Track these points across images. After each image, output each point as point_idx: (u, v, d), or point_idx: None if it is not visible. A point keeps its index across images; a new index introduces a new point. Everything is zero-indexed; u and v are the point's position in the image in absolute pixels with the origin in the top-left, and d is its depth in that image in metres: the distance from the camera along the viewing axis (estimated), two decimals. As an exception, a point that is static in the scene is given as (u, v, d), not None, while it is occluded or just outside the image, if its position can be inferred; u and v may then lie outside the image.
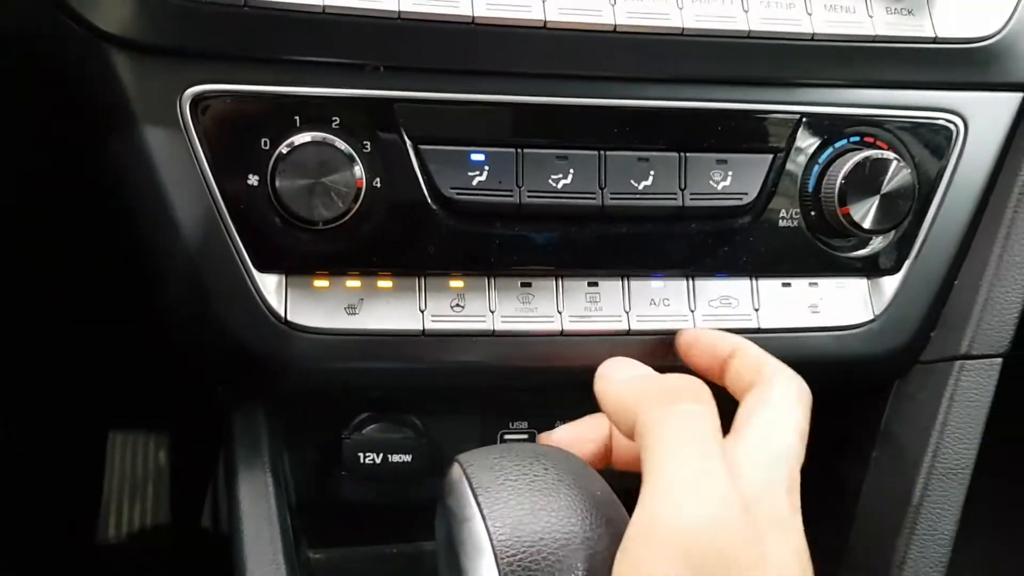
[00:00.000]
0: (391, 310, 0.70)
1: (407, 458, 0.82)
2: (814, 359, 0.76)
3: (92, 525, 1.55)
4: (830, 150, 0.73)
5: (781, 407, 0.59)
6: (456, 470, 0.58)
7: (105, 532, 1.55)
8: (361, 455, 0.81)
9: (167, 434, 1.62)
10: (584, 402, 0.83)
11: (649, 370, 0.64)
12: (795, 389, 0.61)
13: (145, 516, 1.57)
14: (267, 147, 0.65)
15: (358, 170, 0.65)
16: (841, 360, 0.76)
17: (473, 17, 0.66)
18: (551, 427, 0.85)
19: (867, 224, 0.71)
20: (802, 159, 0.73)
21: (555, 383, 0.77)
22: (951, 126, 0.76)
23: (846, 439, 0.85)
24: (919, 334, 0.79)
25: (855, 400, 0.85)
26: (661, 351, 0.73)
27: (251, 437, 0.77)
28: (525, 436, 0.87)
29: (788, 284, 0.76)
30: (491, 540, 0.52)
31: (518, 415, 0.87)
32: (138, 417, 1.60)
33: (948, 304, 0.79)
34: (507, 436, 0.87)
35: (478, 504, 0.54)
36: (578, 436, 0.68)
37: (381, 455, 0.81)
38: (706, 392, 0.58)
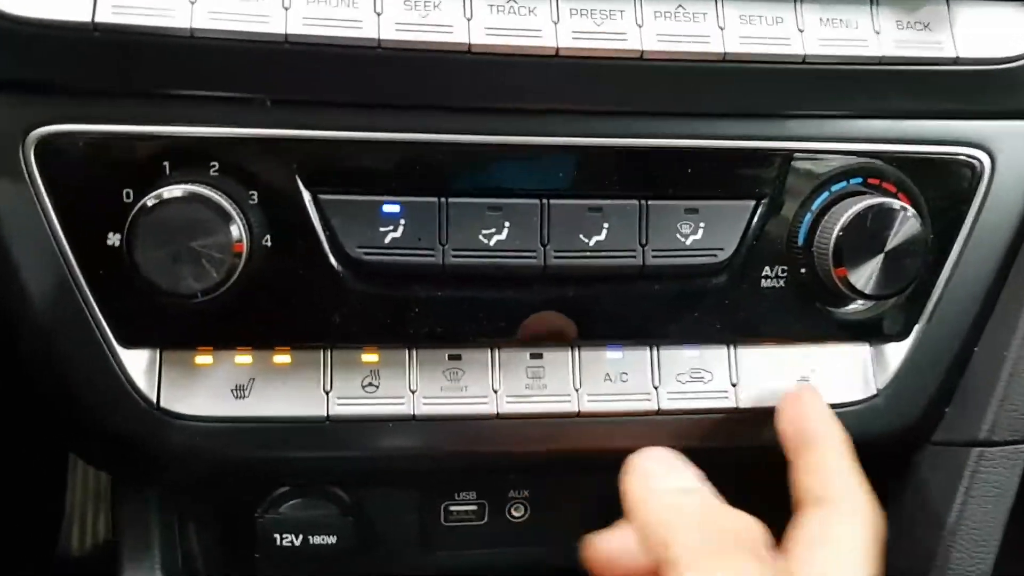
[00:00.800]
0: (289, 391, 0.60)
1: (331, 539, 0.72)
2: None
3: (54, 539, 1.48)
4: (825, 195, 0.62)
5: (847, 552, 0.50)
6: None
7: (68, 546, 1.49)
8: (278, 536, 0.72)
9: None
10: (540, 476, 0.73)
11: (699, 478, 0.54)
12: (867, 527, 0.52)
13: (109, 529, 1.51)
14: (130, 199, 0.55)
15: (236, 231, 0.54)
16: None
17: (379, 40, 0.55)
18: (504, 498, 0.77)
19: (868, 289, 0.60)
20: (791, 207, 0.62)
21: (491, 468, 0.66)
22: (975, 162, 0.64)
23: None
24: (930, 412, 0.67)
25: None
26: (616, 438, 0.63)
27: (139, 528, 0.68)
28: (474, 507, 0.77)
29: (773, 354, 0.65)
30: None
31: (465, 485, 0.76)
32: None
33: (966, 376, 0.67)
34: (452, 507, 0.77)
35: None
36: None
37: (301, 536, 0.72)
38: (763, 542, 0.48)
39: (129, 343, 0.58)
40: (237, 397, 0.59)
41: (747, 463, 0.69)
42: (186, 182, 0.54)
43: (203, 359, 0.59)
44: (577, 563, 0.75)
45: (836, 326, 0.65)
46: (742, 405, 0.64)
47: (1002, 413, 0.66)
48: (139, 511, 0.68)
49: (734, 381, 0.64)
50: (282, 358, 0.60)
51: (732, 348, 0.65)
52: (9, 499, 1.32)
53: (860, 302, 0.63)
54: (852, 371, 0.66)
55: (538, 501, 0.78)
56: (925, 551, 0.67)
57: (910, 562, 0.68)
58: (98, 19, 0.52)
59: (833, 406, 0.64)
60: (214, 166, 0.55)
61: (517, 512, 0.78)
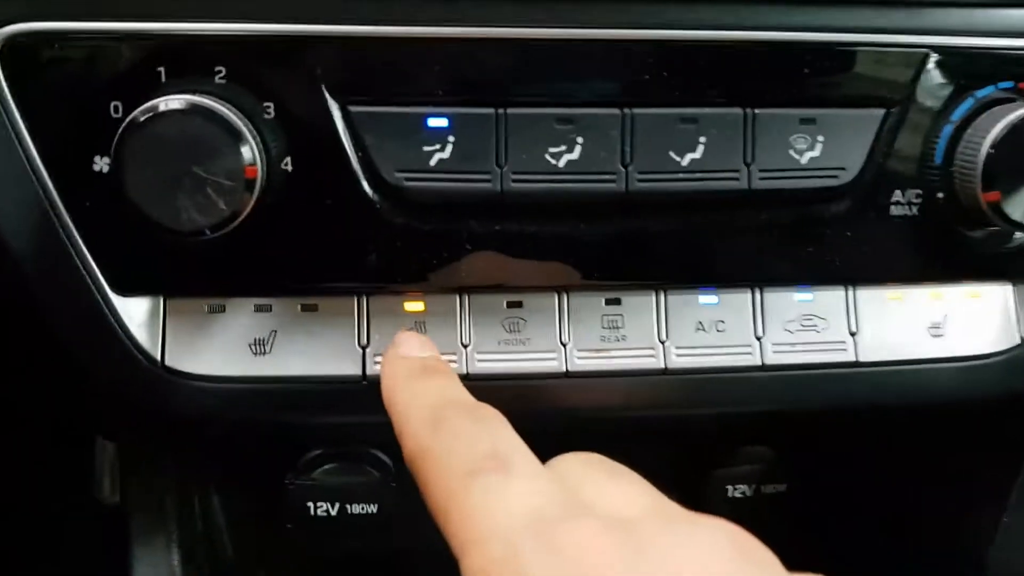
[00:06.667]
0: (318, 346, 0.53)
1: (372, 508, 0.68)
2: (934, 401, 0.58)
3: (88, 479, 1.50)
4: (969, 102, 0.53)
5: None
6: None
7: (101, 488, 1.51)
8: (311, 505, 0.68)
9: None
10: (599, 444, 0.67)
11: (451, 378, 0.45)
12: None
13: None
14: (119, 114, 0.47)
15: (248, 152, 0.46)
16: (971, 401, 0.58)
17: None
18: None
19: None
20: (927, 116, 0.53)
21: (558, 433, 0.58)
22: None
23: (971, 497, 0.65)
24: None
25: (985, 449, 0.65)
26: (711, 398, 0.56)
27: (150, 497, 0.63)
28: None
29: (900, 296, 0.57)
30: None
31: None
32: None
33: None
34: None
35: None
36: None
37: (337, 505, 0.68)
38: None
39: (125, 290, 0.51)
40: (256, 353, 0.52)
41: (866, 425, 0.61)
42: (186, 92, 0.46)
43: (215, 308, 0.52)
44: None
45: (976, 262, 0.56)
46: (862, 358, 0.56)
47: None
48: (150, 479, 0.62)
49: (853, 330, 0.56)
50: (309, 306, 0.53)
51: (851, 290, 0.56)
52: (44, 441, 1.33)
53: (1015, 238, 0.55)
54: (991, 317, 0.58)
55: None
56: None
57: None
58: None
59: (967, 359, 0.57)
60: (220, 72, 0.47)
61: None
